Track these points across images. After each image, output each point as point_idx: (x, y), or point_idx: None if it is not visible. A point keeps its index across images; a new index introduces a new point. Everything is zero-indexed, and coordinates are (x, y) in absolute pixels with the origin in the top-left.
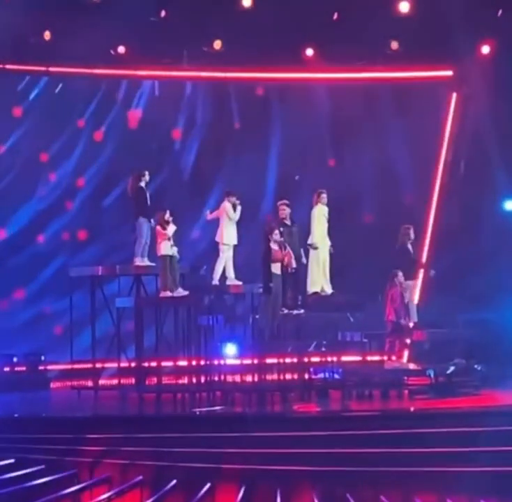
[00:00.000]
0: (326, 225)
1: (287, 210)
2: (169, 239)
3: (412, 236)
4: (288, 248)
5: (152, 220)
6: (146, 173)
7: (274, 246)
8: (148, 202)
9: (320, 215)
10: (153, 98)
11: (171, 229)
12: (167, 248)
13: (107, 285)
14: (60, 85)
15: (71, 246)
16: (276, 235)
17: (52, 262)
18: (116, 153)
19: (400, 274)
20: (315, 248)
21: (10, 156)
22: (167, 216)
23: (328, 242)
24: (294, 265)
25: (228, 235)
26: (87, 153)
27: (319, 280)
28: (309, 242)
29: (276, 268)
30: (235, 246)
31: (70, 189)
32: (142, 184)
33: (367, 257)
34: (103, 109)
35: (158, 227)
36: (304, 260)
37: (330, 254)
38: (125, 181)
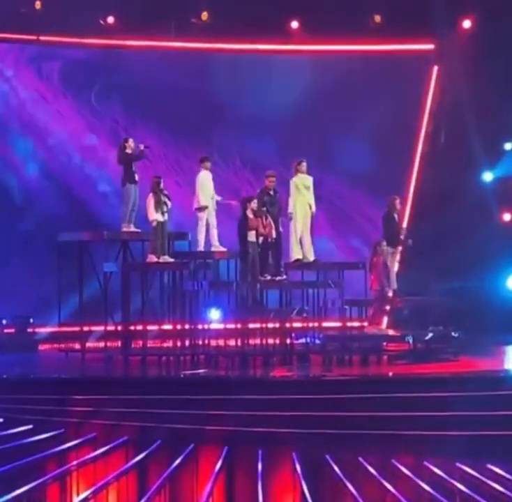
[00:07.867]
0: (308, 194)
1: (274, 182)
2: (160, 207)
3: (398, 206)
4: (269, 218)
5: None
6: (131, 140)
7: (250, 214)
8: (134, 168)
9: (299, 185)
10: None
11: (164, 199)
12: (157, 213)
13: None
14: None
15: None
16: (254, 203)
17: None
18: None
19: (384, 243)
20: (290, 219)
21: None
22: (162, 185)
23: (309, 211)
24: (274, 235)
25: (199, 201)
26: None
27: (298, 248)
28: (289, 211)
29: (252, 236)
30: (217, 213)
31: None
32: (128, 150)
33: (352, 226)
34: None
35: (151, 193)
36: (281, 229)
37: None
38: None
